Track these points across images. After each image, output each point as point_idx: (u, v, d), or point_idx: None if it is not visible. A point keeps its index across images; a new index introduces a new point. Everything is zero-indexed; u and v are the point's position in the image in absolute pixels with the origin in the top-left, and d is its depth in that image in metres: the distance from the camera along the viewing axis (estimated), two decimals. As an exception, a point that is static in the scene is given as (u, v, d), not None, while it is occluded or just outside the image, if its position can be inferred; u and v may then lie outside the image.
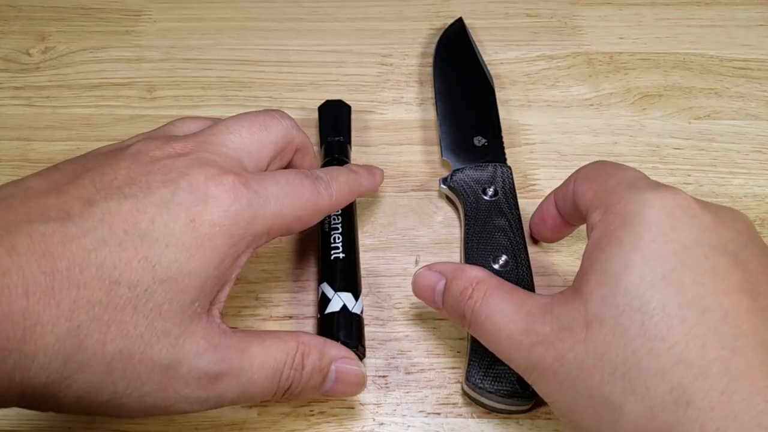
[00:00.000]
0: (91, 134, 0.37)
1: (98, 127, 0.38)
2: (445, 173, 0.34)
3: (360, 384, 0.25)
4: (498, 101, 0.38)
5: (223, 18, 0.44)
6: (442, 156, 0.35)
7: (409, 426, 0.27)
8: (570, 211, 0.26)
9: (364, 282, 0.31)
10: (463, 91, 0.38)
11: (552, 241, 0.32)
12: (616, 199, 0.21)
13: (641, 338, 0.18)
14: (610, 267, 0.19)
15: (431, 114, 0.38)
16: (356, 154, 0.36)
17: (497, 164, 0.34)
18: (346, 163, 0.35)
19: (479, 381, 0.27)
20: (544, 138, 0.37)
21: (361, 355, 0.28)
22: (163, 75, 0.40)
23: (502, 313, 0.22)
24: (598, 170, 0.24)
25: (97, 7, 0.44)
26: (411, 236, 0.33)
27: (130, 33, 0.43)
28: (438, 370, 0.29)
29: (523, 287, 0.29)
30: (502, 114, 0.38)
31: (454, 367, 0.29)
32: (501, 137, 0.36)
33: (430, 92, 0.39)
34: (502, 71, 0.41)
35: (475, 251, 0.31)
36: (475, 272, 0.24)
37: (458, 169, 0.34)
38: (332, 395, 0.25)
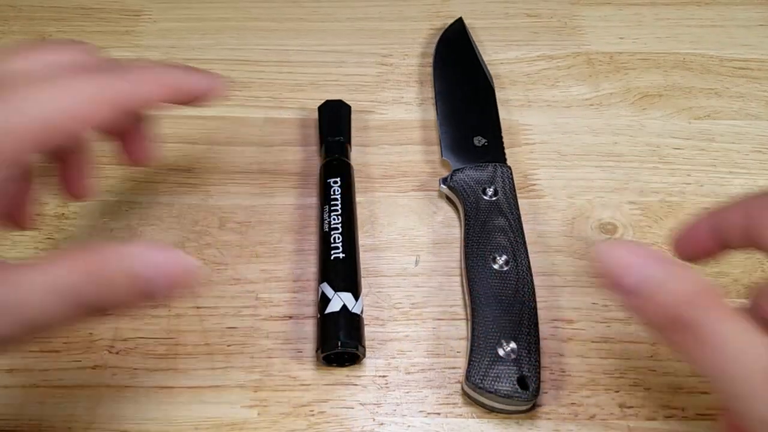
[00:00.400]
0: (90, 134, 0.37)
1: (98, 127, 0.38)
2: (445, 173, 0.34)
3: (183, 268, 0.20)
4: (498, 101, 0.38)
5: (223, 18, 0.44)
6: (442, 156, 0.35)
7: (409, 426, 0.27)
8: (738, 240, 0.22)
9: (364, 282, 0.31)
10: (463, 91, 0.38)
11: (696, 261, 0.25)
12: None
13: None
14: None
15: (431, 114, 0.38)
16: (356, 154, 0.36)
17: (497, 164, 0.34)
18: (346, 162, 0.35)
19: (479, 381, 0.27)
20: (544, 138, 0.37)
21: (361, 355, 0.28)
22: (163, 75, 0.40)
23: (743, 339, 0.18)
24: None
25: (97, 7, 0.44)
26: (411, 236, 0.33)
27: (130, 33, 0.43)
28: (438, 370, 0.29)
29: (523, 288, 0.29)
30: (502, 114, 0.38)
31: (454, 367, 0.29)
32: (501, 137, 0.36)
33: (430, 92, 0.39)
34: (502, 71, 0.41)
35: (475, 251, 0.31)
36: (704, 278, 0.19)
37: (458, 169, 0.34)
38: (158, 292, 0.20)
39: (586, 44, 0.42)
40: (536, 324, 0.28)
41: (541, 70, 0.41)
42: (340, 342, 0.27)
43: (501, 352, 0.27)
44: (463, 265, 0.31)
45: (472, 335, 0.28)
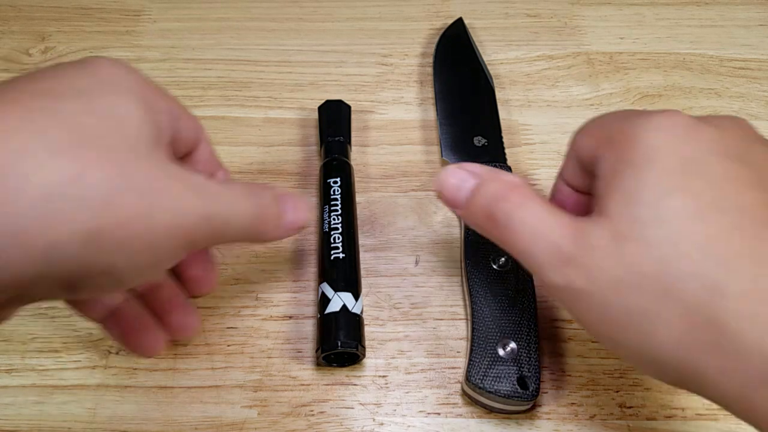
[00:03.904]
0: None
1: (98, 127, 0.38)
2: None
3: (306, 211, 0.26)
4: (498, 101, 0.38)
5: (223, 18, 0.44)
6: (442, 156, 0.35)
7: (409, 426, 0.27)
8: (582, 178, 0.25)
9: (364, 282, 0.31)
10: (463, 92, 0.38)
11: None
12: (618, 133, 0.22)
13: (668, 246, 0.18)
14: (628, 186, 0.20)
15: (431, 114, 0.38)
16: (356, 154, 0.36)
17: (497, 164, 0.34)
18: (346, 162, 0.35)
19: (479, 381, 0.27)
20: (544, 138, 0.37)
21: (360, 355, 0.28)
22: (163, 75, 0.40)
23: (539, 221, 0.21)
24: (592, 122, 0.24)
25: (97, 7, 0.44)
26: (411, 236, 0.33)
27: (130, 33, 0.43)
28: (438, 370, 0.29)
29: (523, 288, 0.29)
30: (502, 114, 0.38)
31: (453, 367, 0.29)
32: (501, 137, 0.36)
33: (430, 92, 0.39)
34: (502, 71, 0.41)
35: (475, 251, 0.31)
36: (514, 177, 0.24)
37: None
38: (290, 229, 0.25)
39: (586, 44, 0.42)
40: (536, 324, 0.28)
41: (541, 70, 0.41)
42: (339, 342, 0.27)
43: (501, 352, 0.27)
44: (462, 266, 0.31)
45: (472, 335, 0.28)
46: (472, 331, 0.28)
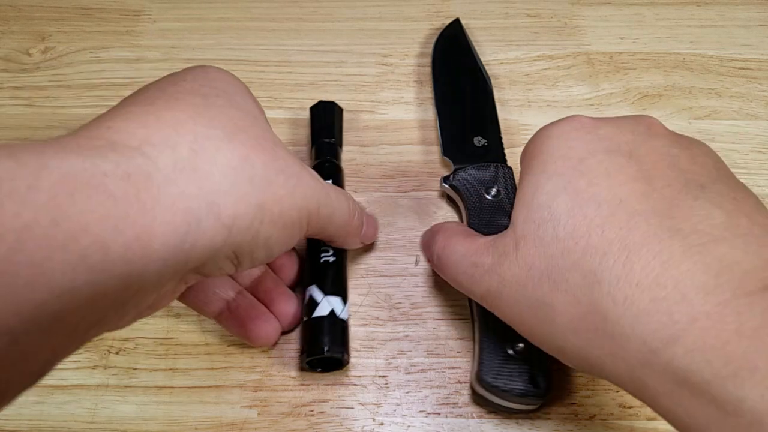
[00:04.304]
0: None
1: (98, 127, 0.38)
2: (445, 173, 0.34)
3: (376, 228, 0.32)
4: (497, 101, 0.38)
5: (223, 18, 0.44)
6: (442, 155, 0.35)
7: (409, 426, 0.27)
8: None
9: (364, 282, 0.31)
10: (462, 92, 0.38)
11: None
12: (530, 148, 0.24)
13: (555, 242, 0.21)
14: (525, 191, 0.23)
15: (431, 114, 0.38)
16: (356, 154, 0.36)
17: (499, 165, 0.34)
18: (337, 165, 0.34)
19: (492, 379, 0.26)
20: (544, 138, 0.37)
21: (345, 362, 0.28)
22: (163, 75, 0.40)
23: (458, 253, 0.25)
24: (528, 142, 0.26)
25: (97, 7, 0.44)
26: (411, 236, 0.33)
27: (130, 33, 0.43)
28: (438, 370, 0.29)
29: None
30: (502, 114, 0.38)
31: (453, 367, 0.29)
32: (500, 138, 0.36)
33: (429, 92, 0.39)
34: (501, 71, 0.41)
35: None
36: (443, 222, 0.28)
37: (460, 168, 0.34)
38: (366, 239, 0.30)
39: (586, 44, 0.42)
40: None
41: (540, 70, 0.41)
42: (326, 348, 0.27)
43: (510, 350, 0.27)
44: None
45: (480, 334, 0.28)
46: (480, 331, 0.28)
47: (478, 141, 0.35)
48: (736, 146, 0.37)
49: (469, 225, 0.31)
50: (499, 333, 0.27)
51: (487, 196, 0.32)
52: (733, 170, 0.36)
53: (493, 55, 0.42)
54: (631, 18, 0.44)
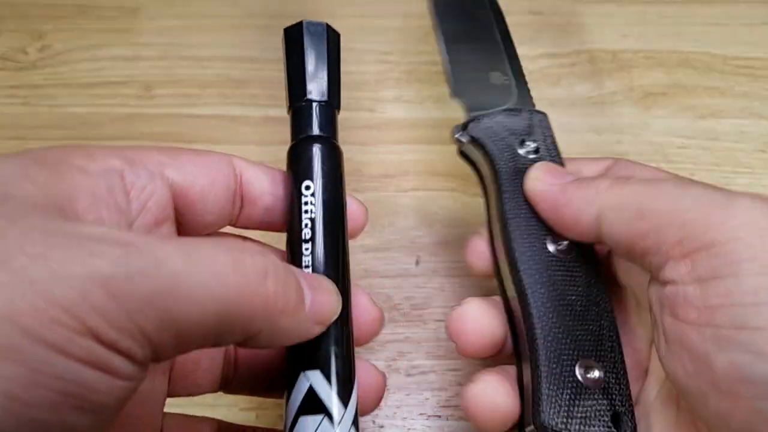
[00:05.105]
0: (88, 133, 0.37)
1: (95, 125, 0.37)
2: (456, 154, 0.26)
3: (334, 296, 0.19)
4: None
5: (221, 15, 0.43)
6: (451, 96, 0.27)
7: (409, 429, 0.27)
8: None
9: (364, 282, 0.31)
10: (473, 25, 0.30)
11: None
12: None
13: None
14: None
15: (432, 112, 0.38)
16: (356, 153, 0.36)
17: (532, 109, 0.26)
18: (334, 146, 0.22)
19: (563, 424, 0.19)
20: (546, 137, 0.37)
21: None
22: (161, 73, 0.40)
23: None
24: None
25: (94, 5, 0.44)
26: (411, 236, 0.33)
27: (128, 31, 0.42)
28: (439, 372, 0.29)
29: (595, 281, 0.22)
30: (504, 112, 0.37)
31: (455, 369, 0.29)
32: (523, 75, 0.28)
33: (430, 90, 0.39)
34: (503, 69, 0.40)
35: (523, 231, 0.22)
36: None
37: (482, 115, 0.25)
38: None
39: (589, 42, 0.42)
40: (619, 335, 0.21)
41: (543, 68, 0.40)
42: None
43: (581, 377, 0.19)
44: (502, 250, 0.22)
45: (532, 353, 0.20)
46: (531, 347, 0.20)
47: (497, 78, 0.27)
48: (740, 145, 0.37)
49: (504, 195, 0.23)
50: (563, 351, 0.20)
51: (522, 153, 0.24)
52: (737, 169, 0.36)
53: (494, 53, 0.41)
54: (634, 16, 0.43)
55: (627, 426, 0.19)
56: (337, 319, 0.19)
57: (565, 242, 0.22)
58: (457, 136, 0.25)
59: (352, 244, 0.33)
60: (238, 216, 0.22)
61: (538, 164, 0.23)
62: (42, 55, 0.41)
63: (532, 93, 0.40)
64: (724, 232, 0.17)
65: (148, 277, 0.14)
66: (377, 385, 0.21)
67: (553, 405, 0.19)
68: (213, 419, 0.23)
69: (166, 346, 0.14)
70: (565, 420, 0.19)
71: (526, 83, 0.28)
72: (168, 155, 0.20)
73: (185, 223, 0.21)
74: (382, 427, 0.27)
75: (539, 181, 0.22)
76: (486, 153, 0.24)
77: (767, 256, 0.17)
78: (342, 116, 0.24)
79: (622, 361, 0.20)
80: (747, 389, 0.16)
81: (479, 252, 0.24)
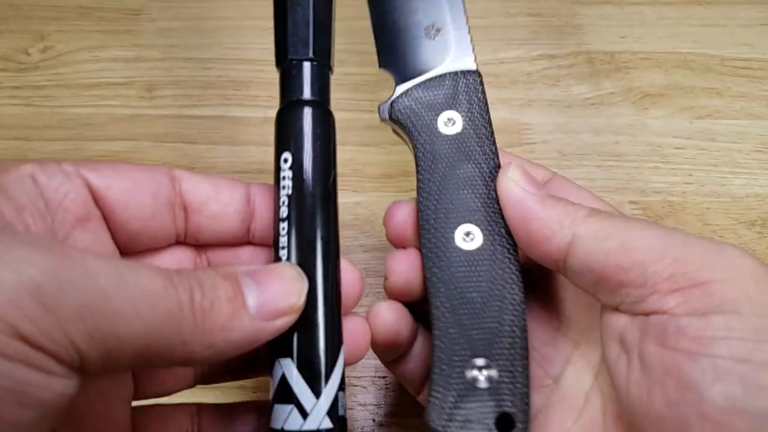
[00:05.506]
0: (89, 134, 0.37)
1: (97, 126, 0.38)
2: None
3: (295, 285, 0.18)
4: (498, 101, 0.38)
5: (222, 17, 0.43)
6: (379, 66, 0.25)
7: (408, 427, 0.27)
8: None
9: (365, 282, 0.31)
10: None
11: None
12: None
13: None
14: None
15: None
16: (356, 154, 0.36)
17: (458, 73, 0.23)
18: (325, 110, 0.20)
19: (442, 425, 0.19)
20: (545, 137, 0.37)
21: None
22: (163, 74, 0.40)
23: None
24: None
25: (96, 6, 0.44)
26: (411, 236, 0.33)
27: (129, 32, 0.42)
28: (438, 370, 0.29)
29: (503, 276, 0.21)
30: (503, 113, 0.37)
31: (454, 368, 0.29)
32: (465, 21, 0.24)
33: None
34: (502, 70, 0.40)
35: (431, 218, 0.21)
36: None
37: (404, 92, 0.23)
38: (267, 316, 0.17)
39: (587, 43, 0.42)
40: (524, 332, 0.20)
41: (541, 69, 0.41)
42: None
43: (471, 377, 0.19)
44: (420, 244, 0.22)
45: (433, 350, 0.20)
46: (433, 345, 0.20)
47: (429, 32, 0.24)
48: (738, 146, 0.37)
49: (419, 178, 0.22)
50: (456, 349, 0.20)
51: (440, 129, 0.22)
52: (734, 170, 0.36)
53: (493, 54, 0.41)
54: (632, 17, 0.44)
55: (518, 426, 0.19)
56: (315, 305, 0.18)
57: (470, 230, 0.21)
58: (382, 115, 0.24)
59: (352, 244, 0.33)
60: (187, 227, 0.22)
61: (515, 164, 0.21)
62: (44, 56, 0.41)
63: (531, 94, 0.40)
64: (721, 272, 0.17)
65: (78, 290, 0.14)
66: (364, 331, 0.22)
67: (436, 407, 0.19)
68: (191, 404, 0.23)
69: (94, 360, 0.14)
70: (445, 423, 0.18)
71: (466, 31, 0.24)
72: (87, 162, 0.20)
73: (114, 229, 0.20)
74: (381, 425, 0.27)
75: (517, 185, 0.21)
76: (406, 133, 0.23)
77: (762, 298, 0.17)
78: (342, 116, 0.24)
79: (523, 358, 0.20)
80: (740, 422, 0.16)
81: (400, 221, 0.24)
